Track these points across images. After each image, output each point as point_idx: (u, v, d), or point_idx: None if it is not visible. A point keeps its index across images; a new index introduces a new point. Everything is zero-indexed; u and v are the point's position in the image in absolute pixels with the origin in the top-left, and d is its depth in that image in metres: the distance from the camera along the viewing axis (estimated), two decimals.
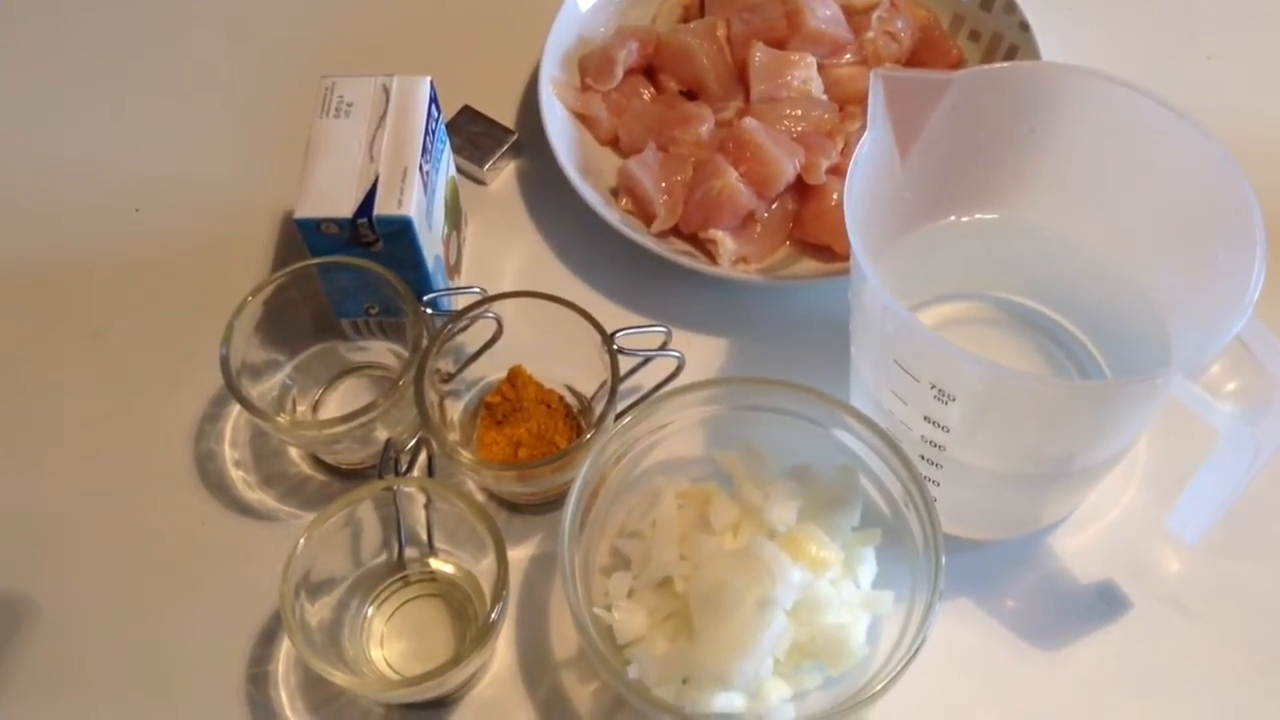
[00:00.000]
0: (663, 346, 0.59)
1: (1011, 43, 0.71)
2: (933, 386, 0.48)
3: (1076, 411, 0.49)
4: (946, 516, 0.50)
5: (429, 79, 0.61)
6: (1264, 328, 0.44)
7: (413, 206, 0.57)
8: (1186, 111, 0.49)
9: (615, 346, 0.56)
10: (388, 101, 0.60)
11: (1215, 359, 0.44)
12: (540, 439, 0.60)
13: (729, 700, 0.49)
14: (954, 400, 0.48)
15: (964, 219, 0.58)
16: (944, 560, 0.49)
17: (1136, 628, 0.56)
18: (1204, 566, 0.58)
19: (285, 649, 0.56)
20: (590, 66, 0.72)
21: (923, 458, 0.53)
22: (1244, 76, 0.76)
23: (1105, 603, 0.57)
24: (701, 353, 0.64)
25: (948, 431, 0.50)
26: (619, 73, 0.71)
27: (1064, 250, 0.57)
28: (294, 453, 0.62)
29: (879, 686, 0.48)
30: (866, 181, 0.50)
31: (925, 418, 0.50)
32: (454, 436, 0.59)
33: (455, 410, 0.61)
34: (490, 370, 0.61)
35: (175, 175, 0.73)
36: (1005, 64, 0.59)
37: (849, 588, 0.53)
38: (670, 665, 0.51)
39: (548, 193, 0.70)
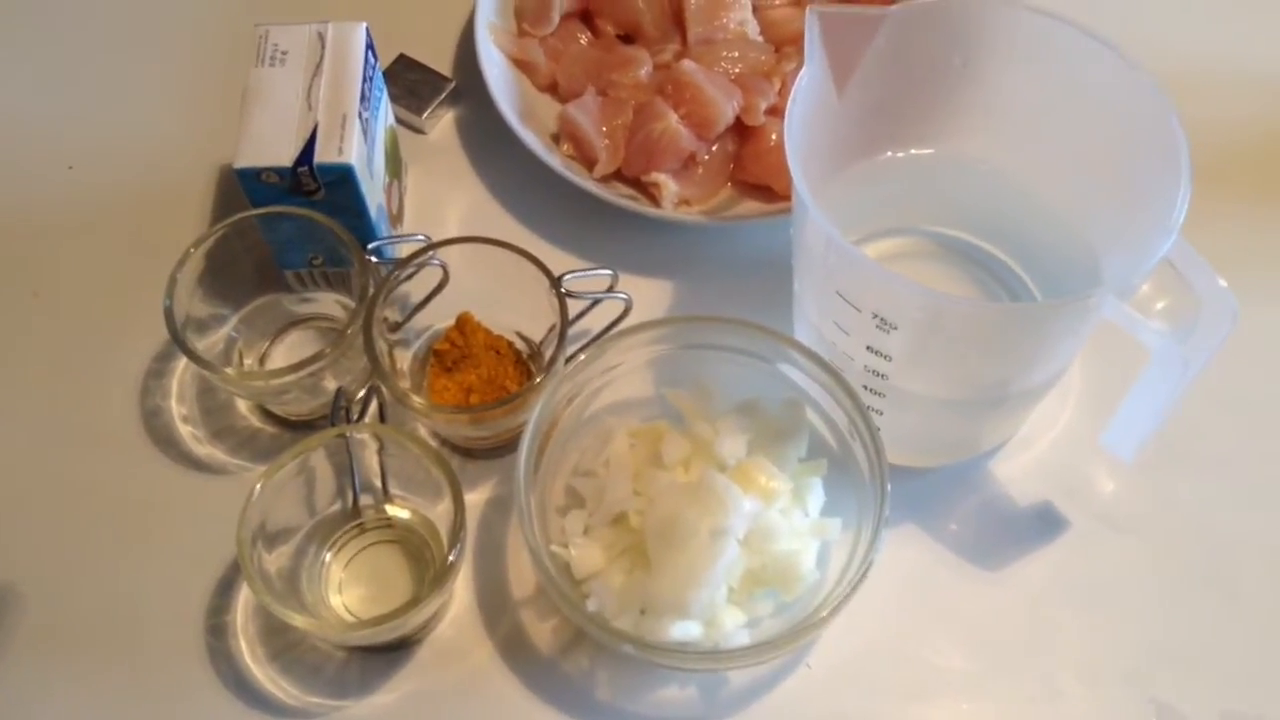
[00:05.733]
0: (610, 289, 0.59)
1: None
2: (874, 316, 0.49)
3: (1014, 334, 0.50)
4: (890, 445, 0.52)
5: (364, 25, 0.61)
6: (1190, 248, 0.45)
7: (354, 153, 0.56)
8: (1113, 42, 0.51)
9: (563, 289, 0.57)
10: (323, 49, 0.59)
11: (1145, 279, 0.46)
12: (491, 384, 0.60)
13: (686, 628, 0.51)
14: (895, 329, 0.49)
15: (900, 154, 0.59)
16: (889, 487, 0.51)
17: (1074, 545, 0.58)
18: (1137, 485, 0.60)
19: (243, 599, 0.56)
20: (526, 11, 0.71)
21: (866, 387, 0.54)
22: (1168, 10, 0.77)
23: (1044, 522, 0.59)
24: (648, 295, 0.65)
25: (889, 360, 0.51)
26: (555, 17, 0.71)
27: (997, 183, 0.58)
28: (243, 406, 0.62)
29: (827, 611, 0.49)
30: (805, 117, 0.51)
31: (868, 347, 0.51)
32: (404, 384, 0.59)
33: (404, 359, 0.61)
34: (438, 318, 0.61)
35: (108, 130, 0.71)
36: None
37: (798, 516, 0.54)
38: (628, 597, 0.52)
39: (488, 140, 0.70)
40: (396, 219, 0.66)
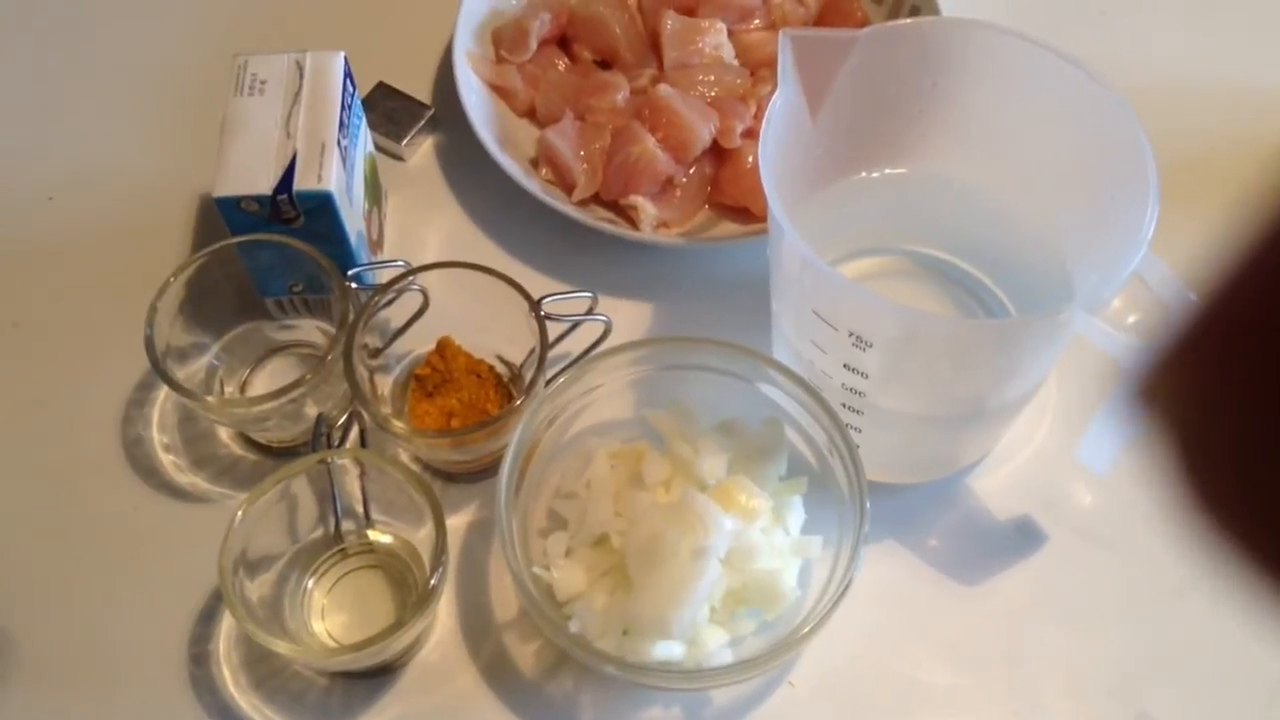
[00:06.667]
0: (589, 311, 0.60)
1: (913, 4, 0.73)
2: (851, 334, 0.50)
3: (988, 350, 0.51)
4: (870, 462, 0.52)
5: (342, 54, 0.61)
6: (1160, 262, 0.46)
7: (333, 181, 0.57)
8: (1080, 60, 0.51)
9: (543, 312, 0.57)
10: (302, 78, 0.60)
11: (1115, 293, 0.46)
12: (472, 408, 0.60)
13: (669, 648, 0.51)
14: (871, 346, 0.50)
15: (874, 174, 0.60)
16: (869, 505, 0.51)
17: (1053, 559, 0.59)
18: (1113, 498, 0.60)
19: (225, 627, 0.56)
20: (504, 39, 0.72)
21: (845, 405, 0.54)
22: (1134, 29, 0.79)
23: (1023, 537, 0.59)
24: (628, 317, 0.65)
25: (867, 378, 0.52)
26: (533, 44, 0.71)
27: (969, 201, 0.59)
28: (224, 434, 0.62)
29: (809, 628, 0.49)
30: (779, 139, 0.51)
31: (845, 365, 0.52)
32: (385, 410, 0.59)
33: (385, 384, 0.61)
34: (418, 344, 0.62)
35: (88, 161, 0.72)
36: (907, 20, 0.61)
37: (779, 534, 0.55)
38: (610, 618, 0.52)
39: (467, 166, 0.71)
40: (376, 245, 0.67)
